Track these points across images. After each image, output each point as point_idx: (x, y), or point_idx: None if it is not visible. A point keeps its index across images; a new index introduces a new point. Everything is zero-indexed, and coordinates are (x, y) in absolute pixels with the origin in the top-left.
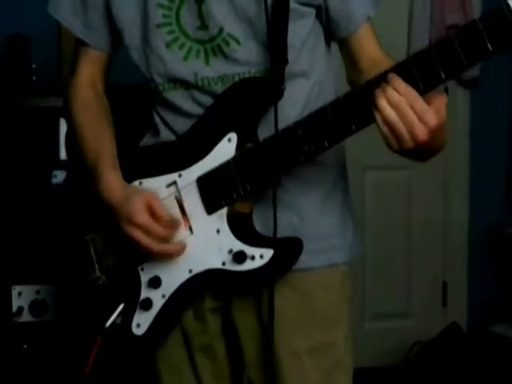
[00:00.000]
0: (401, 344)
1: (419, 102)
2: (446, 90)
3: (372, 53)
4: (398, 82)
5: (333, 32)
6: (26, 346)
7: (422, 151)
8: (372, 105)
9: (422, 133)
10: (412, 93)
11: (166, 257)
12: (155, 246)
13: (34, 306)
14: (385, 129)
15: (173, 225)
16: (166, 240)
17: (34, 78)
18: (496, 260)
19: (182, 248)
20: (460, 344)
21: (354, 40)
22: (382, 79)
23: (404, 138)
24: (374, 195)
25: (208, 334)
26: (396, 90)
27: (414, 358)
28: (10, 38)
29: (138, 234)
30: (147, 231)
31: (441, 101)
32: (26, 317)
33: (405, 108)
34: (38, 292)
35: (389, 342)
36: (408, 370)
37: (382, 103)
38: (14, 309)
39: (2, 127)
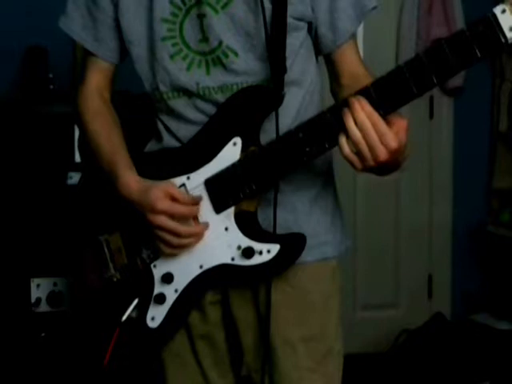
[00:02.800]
0: (389, 332)
1: (381, 124)
2: (432, 98)
3: (353, 68)
4: (363, 103)
5: (320, 46)
6: (43, 335)
7: (382, 168)
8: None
9: (382, 153)
10: (375, 115)
11: (190, 241)
12: (180, 228)
13: (51, 297)
14: (347, 150)
15: (194, 202)
16: (190, 218)
17: (51, 86)
18: (477, 255)
19: (205, 228)
20: (444, 332)
21: (338, 55)
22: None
23: (367, 158)
24: (365, 196)
25: (208, 323)
26: (362, 110)
27: (402, 345)
28: (29, 49)
29: (163, 220)
30: (171, 214)
31: (401, 124)
32: (43, 307)
33: (368, 128)
34: (55, 284)
35: (378, 331)
36: (396, 356)
37: (350, 123)
38: (33, 300)
39: (21, 132)
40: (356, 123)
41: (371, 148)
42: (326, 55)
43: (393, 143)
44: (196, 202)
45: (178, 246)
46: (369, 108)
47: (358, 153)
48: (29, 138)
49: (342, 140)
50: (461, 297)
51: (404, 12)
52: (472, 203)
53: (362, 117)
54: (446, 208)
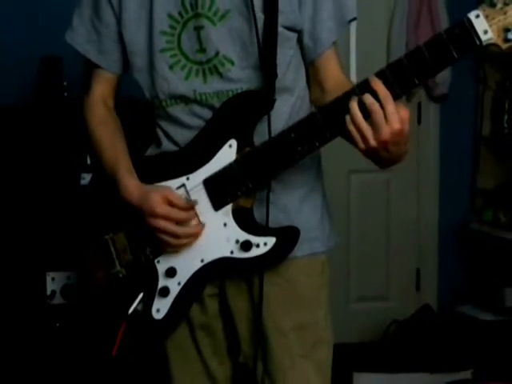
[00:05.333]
0: (380, 323)
1: (391, 104)
2: (419, 105)
3: (336, 74)
4: (377, 83)
5: (304, 55)
6: (58, 325)
7: (382, 155)
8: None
9: (385, 133)
10: (388, 95)
11: (186, 242)
12: (177, 230)
13: (65, 290)
14: (351, 127)
15: (189, 207)
16: (186, 222)
17: (65, 93)
18: (462, 251)
19: (201, 228)
20: (431, 323)
21: (320, 62)
22: (364, 85)
23: (368, 137)
24: (357, 195)
25: (207, 315)
26: (375, 90)
27: (392, 334)
28: (45, 59)
29: (162, 223)
30: (169, 218)
31: (403, 113)
32: (58, 299)
33: (377, 109)
34: (68, 278)
35: (370, 321)
36: (386, 345)
37: (352, 104)
38: (48, 292)
39: (37, 136)
40: (366, 104)
41: (376, 128)
42: (309, 63)
43: (397, 124)
44: (192, 206)
45: (177, 246)
46: (381, 86)
47: (360, 132)
48: (44, 141)
49: (348, 117)
50: (447, 290)
51: (394, 25)
52: (457, 202)
53: (370, 98)
54: (433, 207)
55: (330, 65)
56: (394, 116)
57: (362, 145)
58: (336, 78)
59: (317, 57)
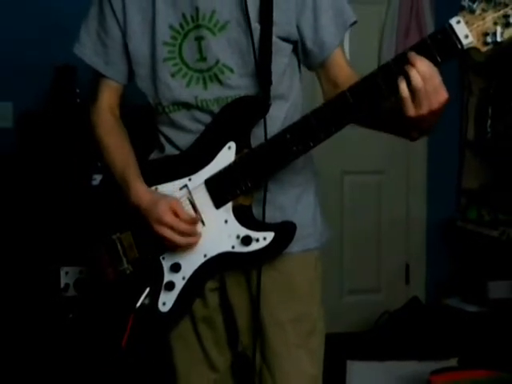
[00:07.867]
0: (372, 314)
1: (438, 77)
2: None
3: (346, 69)
4: (421, 59)
5: (310, 59)
6: (71, 316)
7: (425, 121)
8: (398, 76)
9: (436, 101)
10: (435, 69)
11: (187, 247)
12: (180, 240)
13: (77, 284)
14: (406, 93)
15: (193, 221)
16: (188, 234)
17: (78, 100)
18: (448, 247)
19: (199, 238)
20: (420, 314)
21: (331, 60)
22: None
23: (422, 104)
24: (350, 194)
25: (208, 308)
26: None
27: (383, 325)
28: (58, 68)
29: (167, 231)
30: (173, 228)
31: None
32: (71, 292)
33: (432, 79)
34: (81, 272)
35: (362, 313)
36: (377, 334)
37: (413, 72)
38: (62, 285)
39: (52, 140)
40: (420, 73)
41: (428, 95)
42: (318, 66)
43: (445, 94)
44: (194, 221)
45: (178, 250)
46: (427, 61)
47: (416, 99)
48: (59, 145)
49: (403, 85)
50: (434, 283)
51: (385, 35)
52: (444, 202)
53: (428, 68)
54: (421, 205)
55: (339, 61)
56: (442, 87)
57: (412, 111)
58: (347, 72)
59: (325, 58)
